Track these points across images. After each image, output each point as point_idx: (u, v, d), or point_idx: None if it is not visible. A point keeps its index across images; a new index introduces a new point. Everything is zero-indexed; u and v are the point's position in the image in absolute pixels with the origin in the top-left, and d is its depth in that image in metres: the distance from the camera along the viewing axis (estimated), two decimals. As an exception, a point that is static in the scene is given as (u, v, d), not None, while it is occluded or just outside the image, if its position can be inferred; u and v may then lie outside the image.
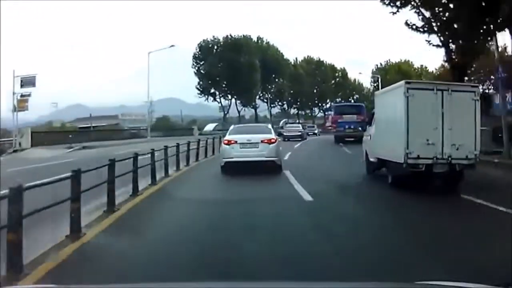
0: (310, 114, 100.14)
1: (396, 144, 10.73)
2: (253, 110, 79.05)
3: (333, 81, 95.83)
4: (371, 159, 12.97)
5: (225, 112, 68.99)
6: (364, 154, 14.22)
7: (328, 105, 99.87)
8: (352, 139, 30.89)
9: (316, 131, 53.57)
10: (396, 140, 10.77)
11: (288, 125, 47.49)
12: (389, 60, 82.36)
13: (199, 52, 67.33)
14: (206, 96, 68.63)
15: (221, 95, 69.54)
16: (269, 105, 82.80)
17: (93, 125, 62.18)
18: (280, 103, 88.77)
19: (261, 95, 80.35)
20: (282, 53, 76.63)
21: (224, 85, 67.94)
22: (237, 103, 72.35)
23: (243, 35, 68.26)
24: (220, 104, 70.15)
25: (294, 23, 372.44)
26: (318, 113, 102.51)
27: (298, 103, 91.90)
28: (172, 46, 47.56)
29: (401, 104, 10.35)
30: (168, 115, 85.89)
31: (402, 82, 10.60)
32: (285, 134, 39.07)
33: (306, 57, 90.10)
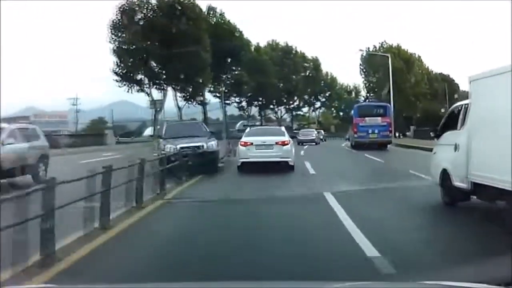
0: (276, 116, 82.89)
1: None
2: (200, 108, 59.11)
3: (302, 74, 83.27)
4: (457, 184, 8.95)
5: (157, 109, 48.52)
6: (438, 175, 9.78)
7: (296, 103, 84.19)
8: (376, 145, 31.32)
9: (321, 137, 54.98)
10: None
11: (303, 130, 53.23)
12: (384, 41, 65.94)
13: (120, 19, 46.44)
14: (128, 85, 47.70)
15: (150, 83, 48.72)
16: (222, 101, 63.00)
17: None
18: (237, 99, 69.99)
19: (211, 88, 60.51)
20: (241, 32, 57.86)
21: (156, 69, 47.48)
22: (177, 97, 51.87)
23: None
24: (149, 98, 49.65)
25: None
26: (285, 113, 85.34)
27: (261, 101, 73.31)
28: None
29: None
30: (104, 118, 79.56)
31: None
32: (300, 138, 43.02)
33: (271, 42, 77.00)
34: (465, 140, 8.86)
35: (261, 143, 16.32)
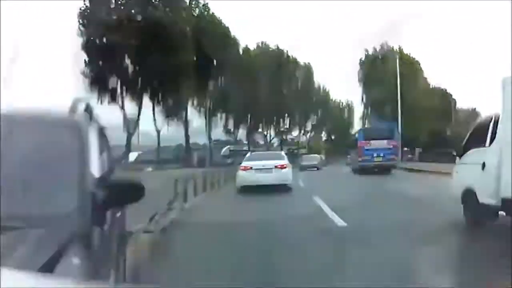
0: (264, 140, 74.95)
1: None
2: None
3: (294, 88, 73.61)
4: (485, 201, 8.34)
5: (130, 131, 40.00)
6: (459, 193, 9.24)
7: (286, 126, 76.96)
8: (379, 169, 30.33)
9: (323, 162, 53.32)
10: None
11: (305, 155, 52.94)
12: (386, 43, 59.93)
13: (89, 8, 38.31)
14: (99, 94, 39.21)
15: (123, 90, 40.32)
16: (207, 118, 54.73)
17: None
18: (224, 114, 61.85)
19: (195, 100, 52.35)
20: (228, 28, 49.52)
21: (130, 71, 39.16)
22: (155, 111, 43.44)
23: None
24: (122, 111, 40.85)
25: None
26: (274, 137, 77.51)
27: (250, 119, 65.27)
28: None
29: None
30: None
31: None
32: (303, 163, 43.67)
33: (260, 44, 67.21)
34: (495, 158, 8.22)
35: (261, 167, 17.22)
